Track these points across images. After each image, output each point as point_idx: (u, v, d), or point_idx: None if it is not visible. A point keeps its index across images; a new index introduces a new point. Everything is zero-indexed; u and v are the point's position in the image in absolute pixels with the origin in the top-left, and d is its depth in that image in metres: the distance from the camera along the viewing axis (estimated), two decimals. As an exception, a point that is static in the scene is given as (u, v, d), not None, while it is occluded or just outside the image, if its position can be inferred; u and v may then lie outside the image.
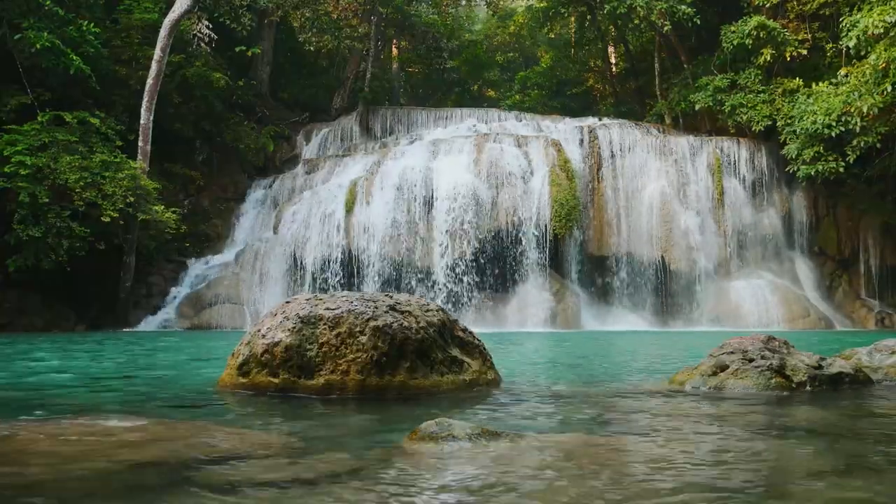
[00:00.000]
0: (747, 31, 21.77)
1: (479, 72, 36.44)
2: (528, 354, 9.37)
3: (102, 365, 7.28)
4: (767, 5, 22.43)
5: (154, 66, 19.38)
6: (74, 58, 17.86)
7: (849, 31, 18.28)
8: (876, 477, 2.25)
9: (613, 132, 22.30)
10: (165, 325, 18.97)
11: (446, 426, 2.66)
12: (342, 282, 19.37)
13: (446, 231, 19.40)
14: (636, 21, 26.74)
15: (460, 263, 19.22)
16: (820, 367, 4.54)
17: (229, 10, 23.89)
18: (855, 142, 18.97)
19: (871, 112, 18.08)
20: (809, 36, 22.65)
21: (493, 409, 3.87)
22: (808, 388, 4.35)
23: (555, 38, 34.35)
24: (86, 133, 17.87)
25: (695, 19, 23.53)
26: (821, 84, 20.30)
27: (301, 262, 19.82)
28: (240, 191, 23.89)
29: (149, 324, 18.91)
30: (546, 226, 19.66)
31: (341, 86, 27.94)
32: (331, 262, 19.59)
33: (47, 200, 16.30)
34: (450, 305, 18.57)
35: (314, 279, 19.52)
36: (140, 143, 19.26)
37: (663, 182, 21.37)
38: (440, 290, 19.03)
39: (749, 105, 21.95)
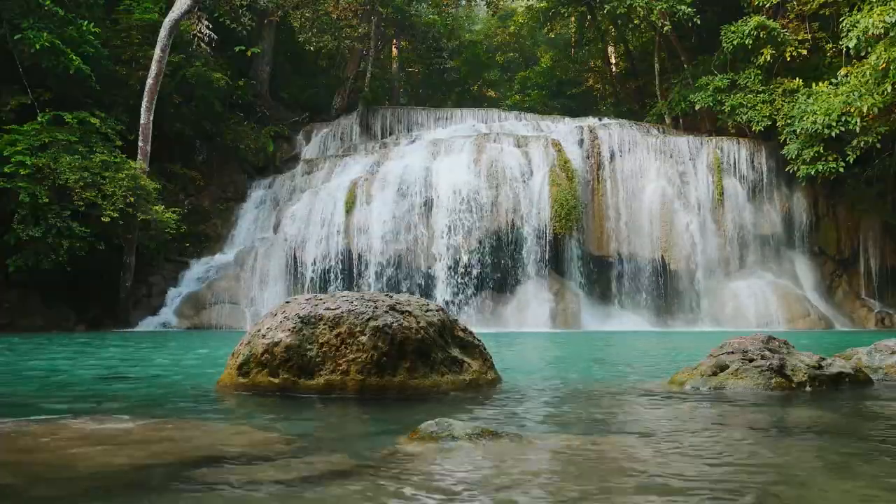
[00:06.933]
0: (747, 31, 21.77)
1: (479, 72, 36.43)
2: (528, 354, 9.37)
3: (102, 365, 7.28)
4: (767, 5, 22.42)
5: (154, 66, 19.37)
6: (74, 58, 17.86)
7: (849, 31, 18.29)
8: (876, 477, 2.25)
9: (613, 132, 22.30)
10: (165, 326, 18.97)
11: (446, 426, 2.66)
12: (342, 282, 19.36)
13: (446, 231, 19.39)
14: (636, 21, 26.75)
15: (460, 263, 19.22)
16: (820, 367, 4.54)
17: (229, 10, 23.88)
18: (855, 142, 18.97)
19: (871, 112, 18.09)
20: (809, 36, 22.64)
21: (493, 409, 3.86)
22: (808, 388, 4.35)
23: (555, 38, 34.36)
24: (86, 133, 17.86)
25: (695, 19, 23.54)
26: (821, 84, 20.30)
27: (301, 262, 19.81)
28: (240, 191, 23.88)
29: (149, 324, 18.91)
30: (546, 226, 19.65)
31: (341, 86, 27.92)
32: (331, 263, 19.58)
33: (47, 200, 16.29)
34: (449, 305, 18.56)
35: (314, 279, 19.51)
36: (140, 143, 19.25)
37: (663, 182, 21.37)
38: (440, 289, 19.02)
39: (749, 105, 21.94)
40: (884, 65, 17.47)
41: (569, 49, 34.74)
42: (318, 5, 26.24)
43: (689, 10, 23.32)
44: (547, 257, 19.71)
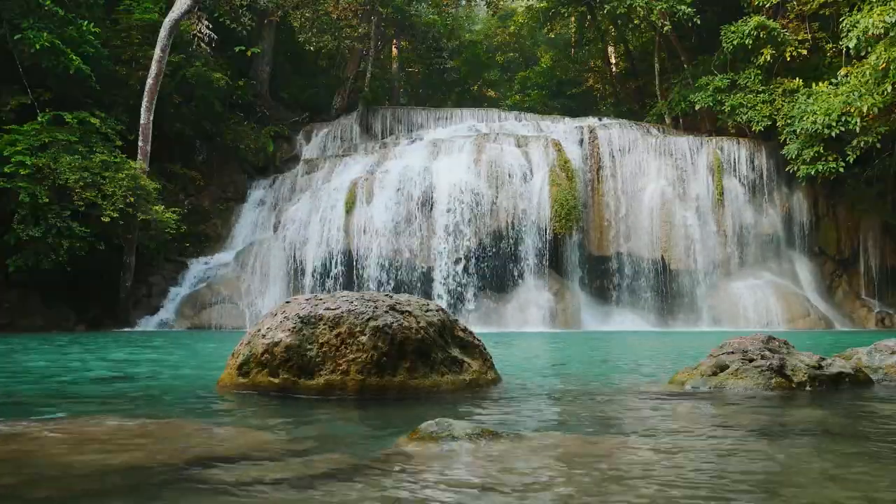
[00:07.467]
0: (747, 31, 21.77)
1: (479, 72, 36.43)
2: (528, 354, 9.37)
3: (102, 365, 7.28)
4: (767, 5, 22.42)
5: (154, 66, 19.37)
6: (74, 58, 17.85)
7: (849, 31, 18.29)
8: (875, 476, 2.25)
9: (613, 132, 22.29)
10: (165, 325, 18.97)
11: (446, 426, 2.66)
12: (342, 282, 19.36)
13: (446, 231, 19.39)
14: (636, 21, 26.76)
15: (460, 263, 19.22)
16: (820, 367, 4.54)
17: (229, 10, 23.87)
18: (855, 142, 18.97)
19: (871, 112, 18.09)
20: (809, 36, 22.65)
21: (493, 409, 3.86)
22: (808, 388, 4.35)
23: (555, 38, 34.36)
24: (86, 133, 17.86)
25: (695, 19, 23.55)
26: (821, 84, 20.30)
27: (301, 262, 19.81)
28: (240, 191, 23.88)
29: (148, 324, 18.91)
30: (546, 226, 19.66)
31: (341, 86, 27.91)
32: (331, 262, 19.58)
33: (47, 200, 16.29)
34: (450, 305, 18.56)
35: (314, 279, 19.51)
36: (140, 143, 19.25)
37: (663, 182, 21.37)
38: (440, 289, 19.03)
39: (749, 105, 21.94)
40: (884, 65, 17.47)
41: (569, 49, 34.74)
42: (318, 5, 26.24)
43: (689, 10, 23.33)
44: (547, 257, 19.71)
